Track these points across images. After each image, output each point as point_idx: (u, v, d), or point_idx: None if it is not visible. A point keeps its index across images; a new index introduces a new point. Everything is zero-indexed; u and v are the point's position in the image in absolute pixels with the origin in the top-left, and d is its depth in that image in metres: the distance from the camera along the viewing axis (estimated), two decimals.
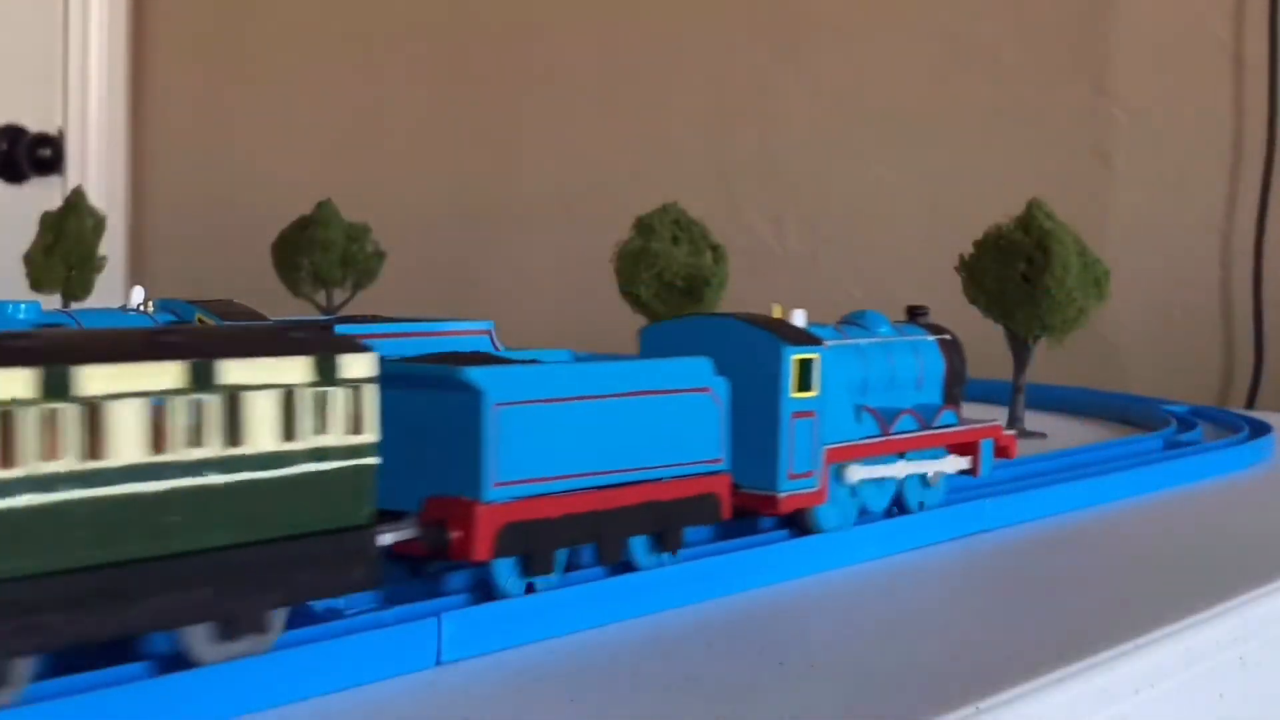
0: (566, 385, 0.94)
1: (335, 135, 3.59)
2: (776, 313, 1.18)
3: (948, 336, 1.33)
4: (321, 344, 0.80)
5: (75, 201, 2.09)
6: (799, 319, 1.18)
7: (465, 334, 1.15)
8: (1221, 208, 2.65)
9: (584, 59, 3.26)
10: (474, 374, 0.89)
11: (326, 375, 0.79)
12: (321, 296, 2.24)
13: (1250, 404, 2.57)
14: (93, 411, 0.69)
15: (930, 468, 1.26)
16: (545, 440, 0.92)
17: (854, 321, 1.27)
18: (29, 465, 0.67)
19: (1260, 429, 1.93)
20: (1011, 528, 1.34)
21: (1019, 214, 1.69)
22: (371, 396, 0.81)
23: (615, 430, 0.97)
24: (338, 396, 0.79)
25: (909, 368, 1.27)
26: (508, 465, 0.90)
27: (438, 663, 0.85)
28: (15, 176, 3.69)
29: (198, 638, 0.75)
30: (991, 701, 0.82)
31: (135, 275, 3.66)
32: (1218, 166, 2.65)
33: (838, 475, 1.17)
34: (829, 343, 1.17)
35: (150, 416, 0.71)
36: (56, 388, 0.68)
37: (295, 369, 0.78)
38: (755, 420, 1.10)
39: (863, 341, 1.24)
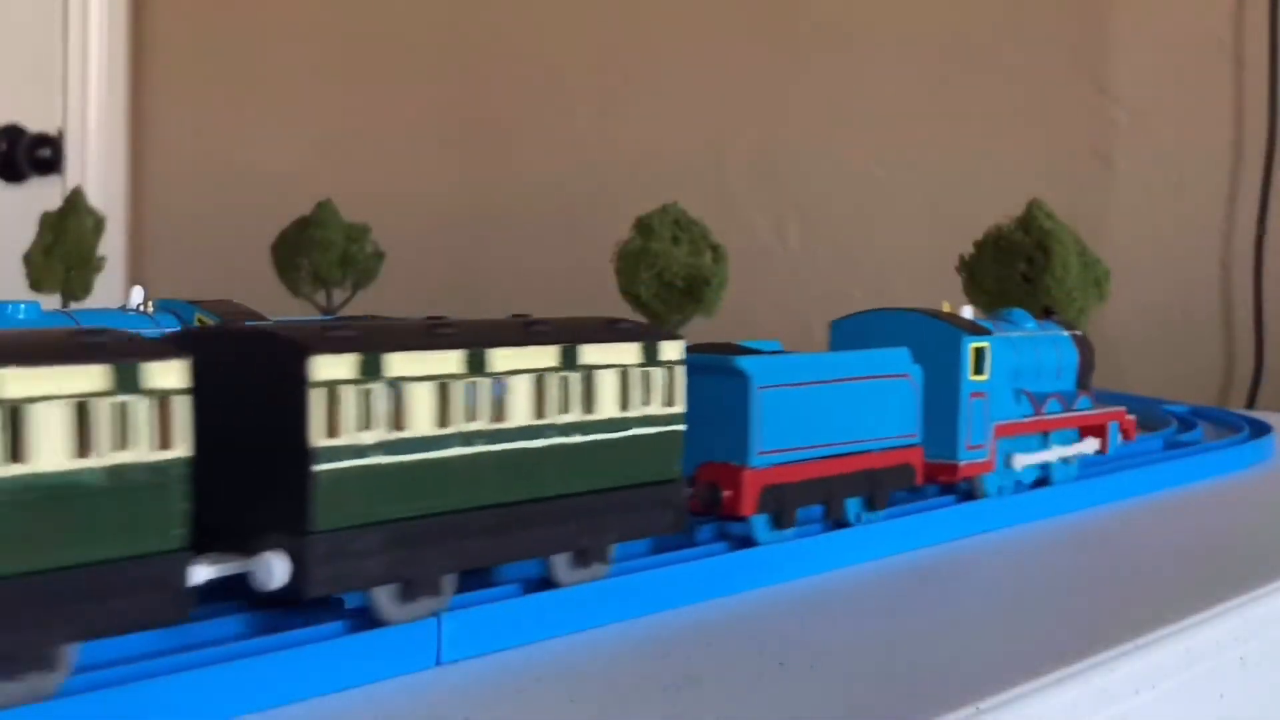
0: (805, 371, 1.13)
1: (335, 135, 3.59)
2: (946, 308, 1.35)
3: (1079, 333, 1.52)
4: (646, 332, 0.97)
5: (75, 201, 2.09)
6: (968, 314, 1.37)
7: None
8: (1221, 208, 2.65)
9: (584, 59, 3.26)
10: (743, 362, 1.08)
11: (650, 357, 0.97)
12: (321, 296, 2.23)
13: (1250, 404, 2.57)
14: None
15: (1072, 451, 1.45)
16: (791, 416, 1.11)
17: (1003, 318, 1.45)
18: (456, 424, 0.84)
19: (1260, 429, 1.93)
20: (1011, 528, 1.34)
21: (1019, 214, 1.69)
22: (681, 375, 0.99)
23: (839, 408, 1.16)
24: (658, 375, 0.97)
25: (1051, 359, 1.45)
26: (767, 437, 1.09)
27: (438, 663, 0.85)
28: (15, 176, 3.69)
29: (561, 565, 0.93)
30: (991, 702, 0.82)
31: (135, 275, 3.66)
32: (1218, 166, 2.65)
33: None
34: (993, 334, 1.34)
35: (534, 388, 0.89)
36: (475, 364, 0.85)
37: (629, 352, 0.95)
38: (937, 399, 1.27)
39: (1014, 334, 1.41)
